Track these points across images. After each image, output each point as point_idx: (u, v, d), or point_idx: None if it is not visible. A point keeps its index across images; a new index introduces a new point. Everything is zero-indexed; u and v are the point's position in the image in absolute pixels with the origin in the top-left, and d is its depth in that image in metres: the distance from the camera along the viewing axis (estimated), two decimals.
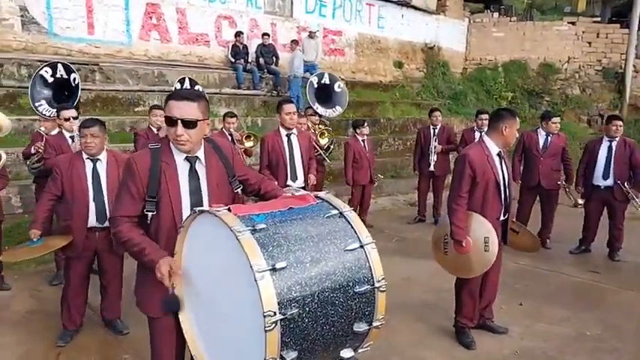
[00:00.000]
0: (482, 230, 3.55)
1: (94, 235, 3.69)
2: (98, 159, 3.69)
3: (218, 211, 1.84)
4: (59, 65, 6.09)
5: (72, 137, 4.69)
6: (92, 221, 3.66)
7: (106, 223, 3.66)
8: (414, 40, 15.20)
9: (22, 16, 8.81)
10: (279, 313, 1.63)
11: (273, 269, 1.66)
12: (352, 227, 1.93)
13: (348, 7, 13.40)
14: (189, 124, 2.07)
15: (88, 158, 3.67)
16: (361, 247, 1.89)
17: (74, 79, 6.04)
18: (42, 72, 5.98)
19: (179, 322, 2.12)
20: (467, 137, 7.14)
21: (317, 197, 2.06)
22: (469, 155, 3.55)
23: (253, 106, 10.37)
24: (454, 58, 16.24)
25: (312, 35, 11.51)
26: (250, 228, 1.75)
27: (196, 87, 7.04)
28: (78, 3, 9.25)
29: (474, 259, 3.60)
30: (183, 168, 2.17)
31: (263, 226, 1.78)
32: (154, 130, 5.53)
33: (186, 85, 6.78)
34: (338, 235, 1.89)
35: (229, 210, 1.86)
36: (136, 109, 8.87)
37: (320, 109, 9.01)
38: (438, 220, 7.41)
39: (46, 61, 6.82)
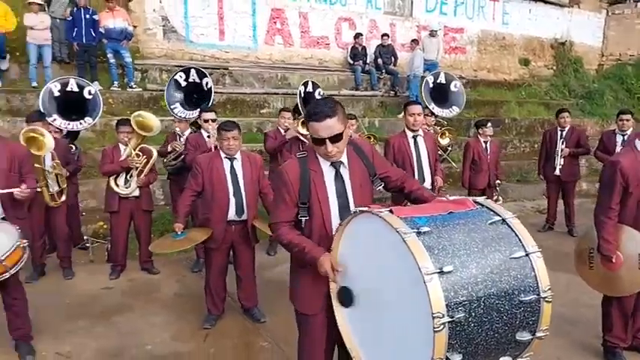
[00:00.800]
0: (636, 246, 3.27)
1: (231, 228, 4.01)
2: (235, 158, 4.01)
3: (380, 212, 1.93)
4: (192, 70, 6.66)
5: (208, 136, 5.15)
6: (231, 215, 3.98)
7: (243, 217, 4.01)
8: (542, 36, 14.29)
9: (163, 25, 9.83)
10: (447, 315, 1.67)
11: (441, 272, 1.71)
12: (516, 234, 1.91)
13: (471, 3, 12.97)
14: (336, 139, 2.20)
15: (226, 157, 3.99)
16: (526, 255, 1.86)
17: (206, 83, 6.60)
18: (176, 77, 6.59)
19: (331, 321, 2.25)
20: (606, 141, 6.57)
21: (476, 202, 2.07)
22: (621, 163, 3.27)
23: (371, 107, 10.49)
24: (588, 54, 14.97)
25: (433, 34, 11.34)
26: (415, 230, 1.80)
27: (317, 90, 7.29)
28: (211, 11, 10.08)
29: (625, 276, 3.32)
30: (329, 173, 2.32)
31: (427, 229, 1.82)
32: (282, 131, 5.86)
33: (309, 88, 7.09)
34: (502, 242, 1.88)
35: (391, 212, 1.94)
36: (262, 111, 9.43)
37: (436, 109, 8.86)
38: (573, 229, 6.90)
39: (183, 67, 7.54)
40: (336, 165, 2.31)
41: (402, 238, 1.77)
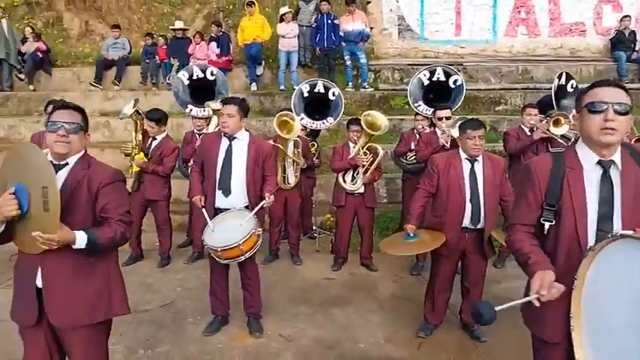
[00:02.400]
0: None
1: (465, 236, 3.67)
2: (476, 160, 3.65)
3: None
4: (438, 69, 6.47)
5: (443, 132, 4.87)
6: (466, 221, 3.64)
7: (479, 225, 3.64)
8: None
9: (399, 25, 9.97)
10: None
11: None
12: None
13: None
14: (622, 112, 1.74)
15: (466, 158, 3.66)
16: None
17: (455, 81, 6.35)
18: (420, 75, 6.48)
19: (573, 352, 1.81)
20: None
21: None
22: None
23: (638, 102, 8.68)
24: None
25: None
26: None
27: (570, 82, 6.35)
28: (448, 7, 9.80)
29: None
30: (592, 173, 1.86)
31: None
32: (526, 130, 5.22)
33: (562, 81, 6.20)
34: None
35: None
36: (497, 108, 8.73)
37: None
38: None
39: (417, 65, 7.48)
40: (604, 164, 1.84)
41: None
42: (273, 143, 4.71)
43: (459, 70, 9.18)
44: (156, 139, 5.35)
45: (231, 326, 4.03)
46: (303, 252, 5.74)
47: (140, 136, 5.41)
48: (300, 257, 5.62)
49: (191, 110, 5.92)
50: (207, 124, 5.65)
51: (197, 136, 5.67)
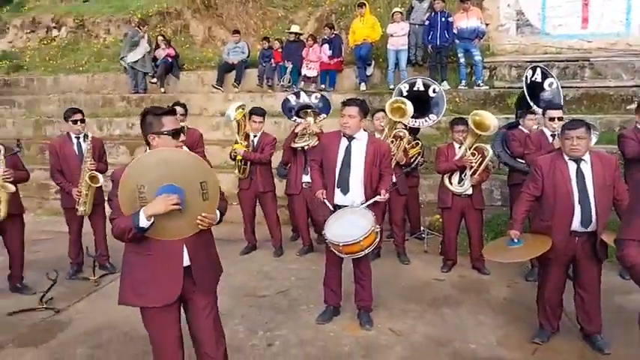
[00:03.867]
0: None
1: (574, 239, 3.55)
2: (582, 159, 3.53)
3: None
4: (537, 70, 6.26)
5: (552, 135, 4.74)
6: (575, 225, 3.52)
7: (590, 228, 3.51)
8: None
9: (517, 20, 9.58)
10: None
11: None
12: None
13: None
14: None
15: (570, 159, 3.55)
16: None
17: (550, 84, 6.19)
18: (527, 74, 6.27)
19: None
20: None
21: None
22: None
23: None
24: None
25: None
26: None
27: None
28: None
29: None
30: None
31: None
32: None
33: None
34: None
35: None
36: (628, 107, 8.06)
37: None
38: None
39: (536, 61, 7.16)
40: None
41: None
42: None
43: (584, 66, 8.71)
44: (256, 135, 5.84)
45: (342, 317, 4.26)
46: (410, 252, 5.82)
47: (243, 137, 5.86)
48: (407, 257, 5.71)
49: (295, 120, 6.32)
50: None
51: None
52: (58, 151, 5.17)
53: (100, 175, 5.06)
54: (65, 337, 4.02)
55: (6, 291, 4.92)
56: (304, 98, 6.45)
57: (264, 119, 5.90)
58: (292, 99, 6.53)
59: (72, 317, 4.37)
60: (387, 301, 4.55)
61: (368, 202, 3.93)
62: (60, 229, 6.02)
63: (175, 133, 2.65)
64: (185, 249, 2.65)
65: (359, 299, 4.18)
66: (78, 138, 5.19)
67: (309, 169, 4.77)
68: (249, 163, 5.78)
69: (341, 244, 3.76)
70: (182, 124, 4.00)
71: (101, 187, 5.14)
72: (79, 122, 5.14)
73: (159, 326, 2.69)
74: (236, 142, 5.82)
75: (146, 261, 2.64)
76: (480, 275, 5.22)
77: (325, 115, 6.28)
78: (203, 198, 2.54)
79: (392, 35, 9.02)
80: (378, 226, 3.87)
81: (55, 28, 13.13)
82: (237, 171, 5.86)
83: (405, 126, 5.71)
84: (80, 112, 5.24)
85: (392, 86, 9.08)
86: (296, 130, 5.80)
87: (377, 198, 3.94)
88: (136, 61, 10.40)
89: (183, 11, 12.23)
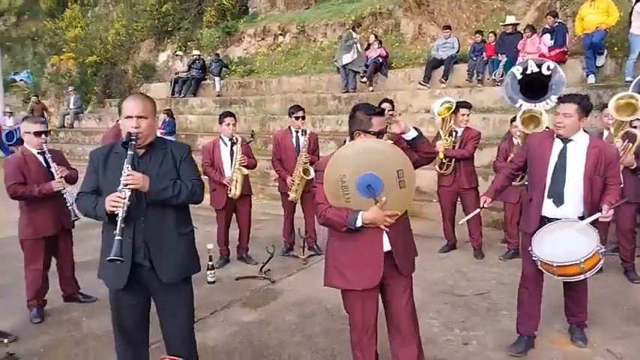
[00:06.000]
0: None
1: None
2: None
3: None
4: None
5: None
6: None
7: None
8: None
9: None
10: None
11: None
12: None
13: None
14: None
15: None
16: None
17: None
18: None
19: None
20: None
21: None
22: None
23: None
24: None
25: None
26: None
27: None
28: None
29: None
30: None
31: None
32: None
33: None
34: None
35: None
36: None
37: None
38: None
39: None
40: None
41: None
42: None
43: None
44: (458, 130, 5.74)
45: (550, 329, 3.94)
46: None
47: (447, 133, 5.78)
48: (638, 275, 4.98)
49: (521, 105, 5.90)
50: None
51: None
52: (280, 142, 5.91)
53: (311, 169, 5.61)
54: (277, 304, 4.61)
55: (234, 259, 5.83)
56: (532, 67, 5.46)
57: (469, 113, 5.81)
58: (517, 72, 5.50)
59: (284, 288, 4.98)
60: (606, 320, 4.07)
61: (589, 219, 3.34)
62: (277, 212, 6.84)
63: (380, 134, 2.81)
64: (385, 235, 2.80)
65: (571, 314, 3.80)
66: (297, 132, 5.83)
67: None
68: (453, 159, 5.74)
69: (555, 265, 3.29)
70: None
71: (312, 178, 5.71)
72: (300, 118, 5.80)
73: (359, 309, 2.86)
74: (436, 138, 5.82)
75: (349, 246, 2.80)
76: None
77: (554, 100, 5.44)
78: (400, 186, 2.65)
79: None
80: (602, 247, 3.31)
81: (280, 35, 14.87)
82: (437, 167, 5.85)
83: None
84: (302, 109, 5.91)
85: (629, 78, 7.95)
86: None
87: (597, 215, 3.33)
88: (350, 62, 11.13)
89: (395, 10, 12.62)
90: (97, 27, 19.88)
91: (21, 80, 21.52)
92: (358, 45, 11.14)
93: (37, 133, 4.22)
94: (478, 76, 9.75)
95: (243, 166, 5.45)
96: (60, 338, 4.01)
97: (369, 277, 2.80)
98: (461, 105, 5.81)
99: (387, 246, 2.81)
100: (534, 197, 3.58)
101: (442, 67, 10.19)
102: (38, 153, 4.27)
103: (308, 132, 5.80)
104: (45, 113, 16.08)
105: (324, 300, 4.46)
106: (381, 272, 2.80)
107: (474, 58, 9.81)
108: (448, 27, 10.56)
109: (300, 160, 5.63)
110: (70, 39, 19.28)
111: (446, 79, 10.10)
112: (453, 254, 5.96)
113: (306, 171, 5.60)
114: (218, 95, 13.81)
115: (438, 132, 5.92)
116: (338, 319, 4.07)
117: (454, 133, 5.78)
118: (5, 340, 3.69)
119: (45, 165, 4.26)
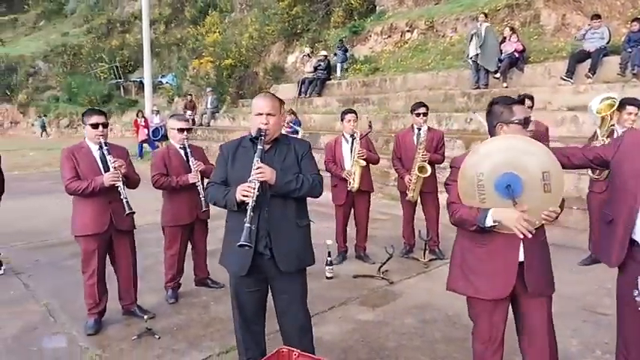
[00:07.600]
0: None
1: None
2: None
3: None
4: None
5: None
6: None
7: None
8: None
9: None
10: None
11: None
12: None
13: None
14: None
15: None
16: None
17: None
18: None
19: None
20: None
21: None
22: None
23: None
24: None
25: None
26: None
27: None
28: None
29: None
30: None
31: None
32: None
33: None
34: None
35: None
36: None
37: None
38: None
39: None
40: None
41: None
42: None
43: None
44: (620, 130, 4.95)
45: None
46: None
47: (607, 133, 5.07)
48: None
49: None
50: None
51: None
52: (400, 140, 5.82)
53: (428, 167, 5.42)
54: (396, 306, 4.53)
55: (351, 257, 5.86)
56: None
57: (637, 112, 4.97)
58: None
59: (403, 290, 4.88)
60: None
61: None
62: (395, 213, 6.75)
63: (526, 122, 2.59)
64: (521, 244, 2.55)
65: None
66: (419, 129, 5.65)
67: None
68: None
69: None
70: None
71: (434, 176, 5.52)
72: (421, 115, 5.62)
73: (486, 319, 2.66)
74: (592, 138, 5.24)
75: (480, 251, 2.62)
76: None
77: None
78: (544, 189, 2.39)
79: None
80: None
81: (408, 31, 14.68)
82: (589, 171, 5.27)
83: None
84: (425, 105, 5.71)
85: None
86: None
87: None
88: (477, 54, 10.61)
89: (534, 1, 11.78)
90: (233, 31, 21.40)
91: (166, 82, 23.99)
92: (482, 32, 10.55)
93: (180, 130, 4.64)
94: (633, 69, 8.70)
95: (362, 158, 5.45)
96: (191, 319, 4.33)
97: (499, 287, 2.59)
98: (628, 102, 4.94)
99: (522, 256, 2.57)
100: (620, 216, 2.76)
101: (588, 61, 9.27)
102: (180, 148, 4.70)
103: (426, 128, 5.59)
104: (194, 110, 18.04)
105: (445, 306, 4.29)
106: (512, 283, 2.57)
107: (629, 50, 8.78)
108: (598, 16, 9.56)
109: (418, 157, 5.47)
110: (209, 44, 20.98)
111: (593, 74, 9.16)
112: (595, 268, 5.37)
113: (422, 169, 5.43)
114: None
115: (595, 132, 5.29)
116: (460, 328, 3.89)
117: (615, 134, 5.13)
118: (145, 317, 4.08)
119: (185, 159, 4.67)
